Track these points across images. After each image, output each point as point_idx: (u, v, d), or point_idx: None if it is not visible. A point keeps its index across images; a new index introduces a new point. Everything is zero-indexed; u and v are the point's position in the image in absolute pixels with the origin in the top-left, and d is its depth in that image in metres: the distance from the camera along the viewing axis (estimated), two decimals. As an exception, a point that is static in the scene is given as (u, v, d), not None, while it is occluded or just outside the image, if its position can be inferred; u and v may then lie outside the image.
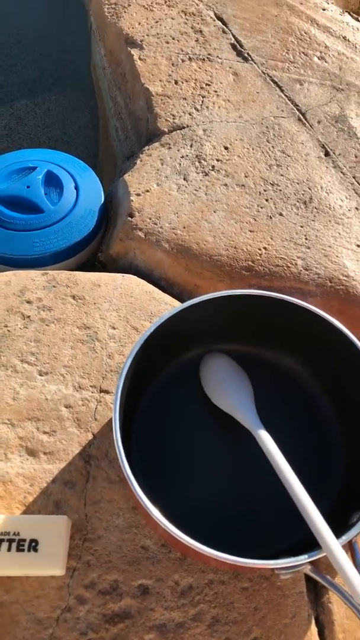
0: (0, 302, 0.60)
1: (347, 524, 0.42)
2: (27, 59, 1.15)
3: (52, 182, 0.74)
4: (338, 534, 0.40)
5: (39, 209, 0.71)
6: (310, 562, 0.40)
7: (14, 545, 0.43)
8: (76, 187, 0.74)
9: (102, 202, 0.75)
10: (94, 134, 1.00)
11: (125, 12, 0.91)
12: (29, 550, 0.43)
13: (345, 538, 0.39)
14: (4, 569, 0.43)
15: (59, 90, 1.08)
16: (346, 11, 0.98)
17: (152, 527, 0.48)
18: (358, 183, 0.74)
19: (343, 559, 0.36)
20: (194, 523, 0.43)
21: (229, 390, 0.52)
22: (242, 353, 0.56)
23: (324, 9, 0.96)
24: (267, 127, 0.78)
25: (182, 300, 0.67)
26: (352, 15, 0.98)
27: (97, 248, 0.76)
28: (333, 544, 0.37)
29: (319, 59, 0.88)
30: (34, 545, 0.43)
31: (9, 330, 0.58)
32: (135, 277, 0.66)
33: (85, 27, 1.08)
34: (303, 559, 0.38)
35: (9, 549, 0.43)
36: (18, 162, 0.76)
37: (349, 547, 0.41)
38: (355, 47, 0.91)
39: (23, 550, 0.43)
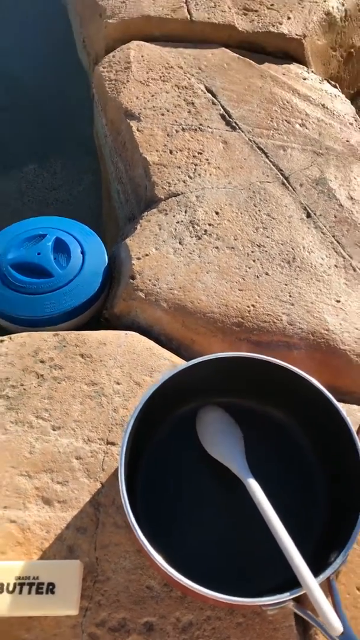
0: (16, 362, 0.67)
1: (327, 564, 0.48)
2: (33, 123, 1.25)
3: (61, 247, 0.82)
4: (318, 573, 0.46)
5: (49, 273, 0.79)
6: (295, 599, 0.46)
7: (33, 588, 0.49)
8: (82, 252, 0.82)
9: (106, 264, 0.83)
10: (98, 195, 1.09)
11: (124, 87, 1.01)
12: (46, 592, 0.49)
13: (322, 577, 0.44)
14: (24, 610, 0.49)
15: (64, 153, 1.17)
16: (325, 79, 1.08)
17: (155, 569, 0.54)
18: (337, 242, 0.82)
19: (319, 595, 0.42)
20: (193, 564, 0.48)
21: (222, 443, 0.58)
22: (235, 405, 0.62)
23: (304, 79, 1.05)
24: (253, 191, 0.87)
25: (179, 354, 0.74)
26: (330, 83, 1.07)
27: (103, 305, 0.83)
28: (311, 582, 0.43)
29: (300, 125, 0.97)
30: (51, 588, 0.49)
31: (25, 389, 0.65)
32: (137, 334, 0.73)
33: (86, 88, 1.18)
34: (286, 596, 0.44)
35: (29, 592, 0.49)
36: (29, 230, 0.84)
37: (327, 584, 0.47)
38: (333, 113, 1.00)
39: (42, 592, 0.49)
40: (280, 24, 1.09)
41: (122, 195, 0.99)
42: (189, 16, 1.10)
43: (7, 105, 1.31)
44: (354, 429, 0.53)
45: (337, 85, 1.11)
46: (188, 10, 1.10)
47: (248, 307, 0.74)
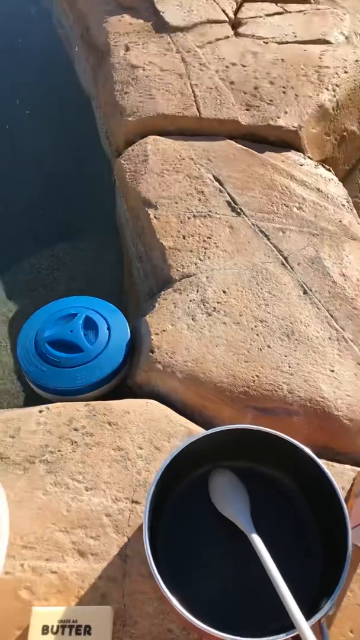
0: (54, 431, 0.79)
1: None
2: (62, 204, 1.42)
3: (90, 325, 0.95)
4: (310, 616, 0.55)
5: (80, 349, 0.91)
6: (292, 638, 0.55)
7: (73, 630, 0.59)
8: (108, 328, 0.95)
9: (129, 338, 0.95)
10: (120, 270, 1.23)
11: (142, 178, 1.16)
12: (84, 634, 0.59)
13: (312, 620, 0.53)
14: (66, 649, 0.58)
15: (90, 231, 1.32)
16: (320, 163, 1.22)
17: (174, 614, 0.63)
18: (331, 316, 0.93)
19: (309, 635, 0.51)
20: (207, 609, 0.58)
21: (229, 502, 0.68)
22: (242, 468, 0.73)
23: (301, 164, 1.19)
24: (256, 271, 0.99)
25: (194, 419, 0.84)
26: (324, 167, 1.21)
27: (126, 374, 0.95)
28: (303, 624, 0.52)
29: (297, 209, 1.10)
30: (88, 630, 0.59)
31: (61, 454, 0.76)
32: (156, 402, 0.84)
33: (108, 173, 1.33)
34: (282, 636, 0.53)
35: (70, 633, 0.59)
36: (62, 309, 0.97)
37: (319, 627, 0.55)
38: (327, 196, 1.13)
39: (80, 634, 0.58)
40: (279, 117, 1.24)
41: (142, 272, 1.13)
42: (198, 113, 1.26)
43: (38, 187, 1.48)
44: (340, 492, 0.62)
45: (331, 168, 1.25)
46: (197, 108, 1.27)
47: (253, 377, 0.85)
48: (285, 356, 0.87)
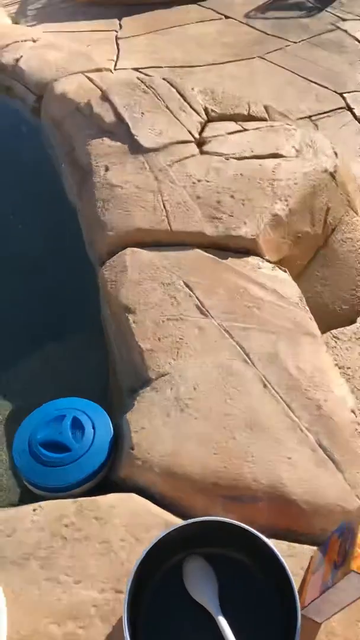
0: (46, 528, 0.89)
1: None
2: (50, 305, 1.57)
3: (76, 424, 1.07)
4: None
5: (68, 448, 1.03)
6: None
7: None
8: (93, 427, 1.07)
9: (112, 435, 1.07)
10: (106, 367, 1.37)
11: (122, 287, 1.33)
12: None
13: None
14: None
15: (78, 332, 1.47)
16: (277, 266, 1.40)
17: None
18: (288, 406, 1.06)
19: None
20: None
21: (200, 588, 0.78)
22: (213, 553, 0.83)
23: (259, 267, 1.37)
24: (223, 368, 1.13)
25: (171, 509, 0.95)
26: (280, 269, 1.39)
27: (110, 468, 1.06)
28: None
29: (257, 309, 1.26)
30: None
31: (53, 551, 0.86)
32: (137, 496, 0.95)
33: (93, 278, 1.50)
34: None
35: None
36: (52, 411, 1.10)
37: None
38: (282, 296, 1.30)
39: None
40: (239, 227, 1.43)
41: (124, 371, 1.26)
42: (169, 227, 1.45)
43: (29, 289, 1.65)
44: (290, 572, 0.73)
45: (289, 265, 1.43)
46: (169, 222, 1.46)
47: (221, 469, 0.96)
48: (249, 447, 0.99)
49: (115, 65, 3.38)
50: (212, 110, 1.92)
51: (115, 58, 3.46)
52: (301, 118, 2.82)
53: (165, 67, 3.34)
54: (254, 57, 3.44)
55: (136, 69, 3.33)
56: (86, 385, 1.31)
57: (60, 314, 1.58)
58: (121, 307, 1.29)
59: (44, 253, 1.77)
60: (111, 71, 2.32)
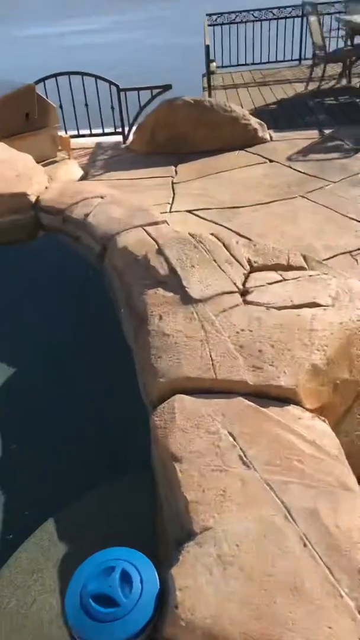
0: None
1: None
2: (103, 444, 1.71)
3: (125, 577, 1.14)
4: None
5: (117, 603, 1.09)
6: None
7: None
8: (141, 581, 1.14)
9: (158, 589, 1.13)
10: (154, 510, 1.45)
11: (171, 434, 1.45)
12: None
13: None
14: None
15: (131, 468, 1.58)
16: (316, 416, 1.48)
17: None
18: (328, 569, 1.09)
19: None
20: None
21: None
22: None
23: (299, 418, 1.46)
24: (264, 525, 1.19)
25: None
26: (320, 419, 1.47)
27: (155, 624, 1.10)
28: None
29: (297, 462, 1.33)
30: None
31: None
32: None
33: (145, 412, 1.63)
34: None
35: None
36: (103, 562, 1.18)
37: None
38: (322, 448, 1.37)
39: None
40: (279, 377, 1.55)
41: (170, 517, 1.34)
42: (215, 375, 1.59)
43: (89, 424, 1.79)
44: None
45: (329, 412, 1.51)
46: (214, 371, 1.61)
47: (262, 636, 0.99)
48: (290, 612, 1.02)
49: (171, 207, 3.82)
50: (255, 262, 2.14)
51: (171, 201, 3.92)
52: (341, 253, 3.03)
53: (214, 208, 3.74)
54: (295, 197, 3.79)
55: (189, 211, 3.75)
56: (135, 529, 1.39)
57: (113, 451, 1.71)
58: (169, 454, 1.40)
59: (102, 389, 1.95)
60: (167, 222, 2.64)
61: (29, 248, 3.01)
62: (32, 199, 3.05)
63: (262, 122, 4.94)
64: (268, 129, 4.98)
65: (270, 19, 7.37)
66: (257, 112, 5.73)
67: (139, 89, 5.12)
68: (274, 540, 1.15)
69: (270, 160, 4.49)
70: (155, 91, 5.09)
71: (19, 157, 3.51)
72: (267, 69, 7.76)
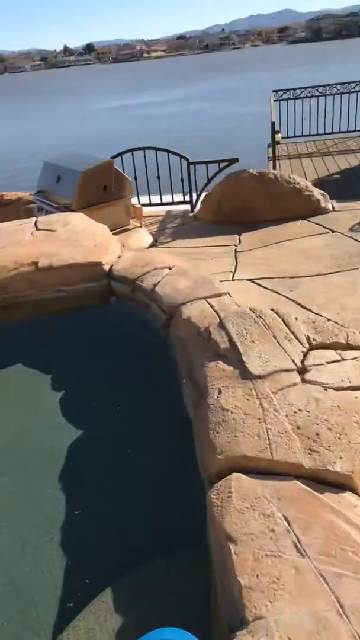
0: None
1: None
2: (161, 515, 1.76)
3: None
4: None
5: None
6: None
7: None
8: (192, 665, 1.16)
9: None
10: (208, 590, 1.47)
11: (227, 514, 1.49)
12: None
13: None
14: None
15: (186, 544, 1.62)
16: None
17: None
18: None
19: None
20: None
21: None
22: None
23: (355, 506, 1.46)
24: (317, 620, 1.19)
25: None
26: (376, 509, 1.47)
27: None
28: None
29: (352, 553, 1.33)
30: None
31: None
32: None
33: (201, 488, 1.68)
34: None
35: None
36: None
37: None
38: (378, 541, 1.36)
39: None
40: (335, 462, 1.57)
41: (224, 598, 1.36)
42: (271, 456, 1.63)
43: (146, 499, 1.86)
44: None
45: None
46: (270, 452, 1.65)
47: None
48: None
49: (233, 276, 3.96)
50: (314, 339, 2.19)
51: (233, 269, 4.07)
52: None
53: (276, 277, 3.84)
54: (357, 268, 3.83)
55: (251, 280, 3.87)
56: (188, 604, 1.42)
57: (170, 524, 1.76)
58: (224, 534, 1.44)
59: (161, 464, 2.03)
60: (229, 294, 2.77)
61: (101, 314, 3.22)
62: (106, 268, 3.29)
63: (325, 193, 5.07)
64: (331, 198, 5.10)
65: (334, 94, 7.68)
66: (320, 182, 5.90)
67: (207, 162, 5.45)
68: (325, 637, 1.15)
69: (332, 231, 4.57)
70: (222, 164, 5.40)
71: (97, 228, 3.81)
72: (331, 139, 8.01)
